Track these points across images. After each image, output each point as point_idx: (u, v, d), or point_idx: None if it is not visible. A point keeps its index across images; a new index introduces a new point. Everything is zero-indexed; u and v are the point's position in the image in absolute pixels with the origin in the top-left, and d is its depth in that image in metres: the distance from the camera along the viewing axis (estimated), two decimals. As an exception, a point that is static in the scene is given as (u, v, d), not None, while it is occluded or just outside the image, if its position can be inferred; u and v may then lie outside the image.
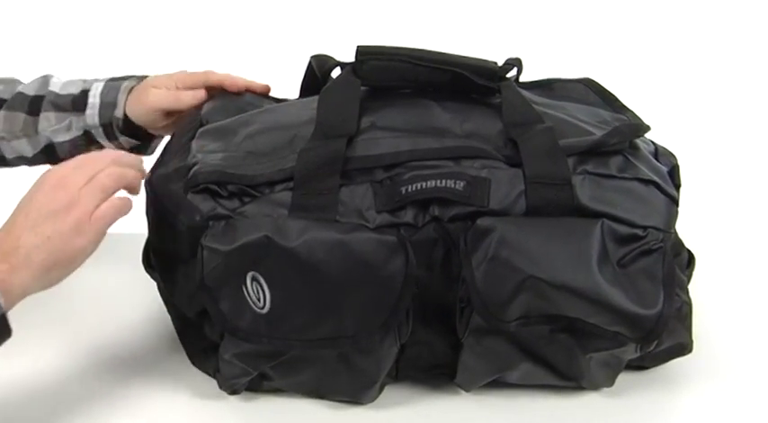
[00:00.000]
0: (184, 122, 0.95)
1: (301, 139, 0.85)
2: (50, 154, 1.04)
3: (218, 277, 0.80)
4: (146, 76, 1.03)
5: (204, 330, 0.87)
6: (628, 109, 0.93)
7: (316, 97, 0.92)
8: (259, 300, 0.80)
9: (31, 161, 1.06)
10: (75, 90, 1.02)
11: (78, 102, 1.01)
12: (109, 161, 0.82)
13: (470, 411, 0.88)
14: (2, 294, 0.74)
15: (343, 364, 0.84)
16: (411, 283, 0.79)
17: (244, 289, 0.80)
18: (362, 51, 0.88)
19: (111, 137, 1.04)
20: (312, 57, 0.96)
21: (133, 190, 0.85)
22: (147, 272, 0.99)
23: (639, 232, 0.81)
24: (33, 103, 1.02)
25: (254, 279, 0.80)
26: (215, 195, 0.83)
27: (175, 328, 0.96)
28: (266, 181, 0.83)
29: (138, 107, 1.00)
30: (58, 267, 0.77)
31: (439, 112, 0.88)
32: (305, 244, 0.79)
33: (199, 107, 0.97)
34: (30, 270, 0.76)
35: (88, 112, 1.01)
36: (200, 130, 0.91)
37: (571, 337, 0.83)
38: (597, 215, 0.81)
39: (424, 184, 0.81)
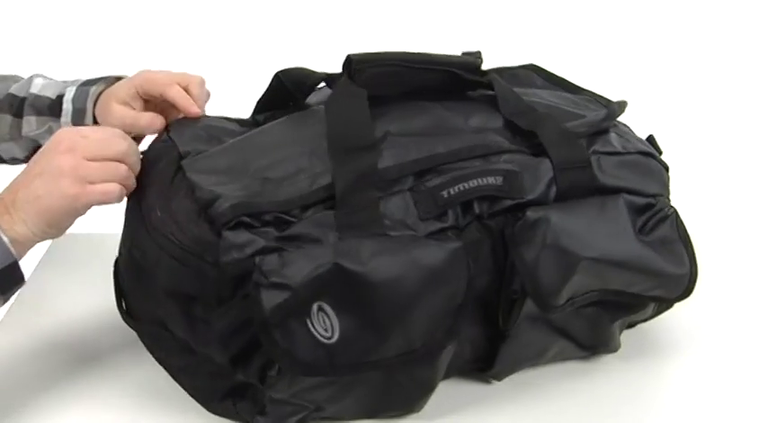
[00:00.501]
0: (152, 154, 0.87)
1: (318, 156, 0.82)
2: None
3: (284, 313, 0.75)
4: (119, 77, 0.98)
5: (236, 375, 0.81)
6: (584, 89, 0.98)
7: (306, 112, 0.89)
8: (326, 330, 0.76)
9: (25, 161, 0.99)
10: (52, 94, 1.01)
11: (54, 107, 1.00)
12: (131, 152, 0.84)
13: (493, 393, 0.90)
14: (12, 244, 0.78)
15: (399, 377, 0.82)
16: (472, 286, 0.80)
17: (308, 321, 0.76)
18: (357, 60, 0.85)
19: None
20: (280, 72, 0.91)
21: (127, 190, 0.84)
22: (129, 324, 0.90)
23: (652, 201, 0.87)
24: (18, 106, 1.01)
25: (320, 309, 0.76)
26: (249, 228, 0.77)
27: (178, 379, 0.88)
28: (302, 204, 0.79)
29: (102, 119, 0.96)
30: (49, 225, 0.80)
31: (442, 111, 0.88)
32: (377, 265, 0.76)
33: (159, 135, 0.90)
34: (26, 224, 0.79)
35: (63, 119, 0.99)
36: (185, 162, 0.84)
37: (599, 308, 0.88)
38: (615, 191, 0.86)
39: (465, 184, 0.81)
